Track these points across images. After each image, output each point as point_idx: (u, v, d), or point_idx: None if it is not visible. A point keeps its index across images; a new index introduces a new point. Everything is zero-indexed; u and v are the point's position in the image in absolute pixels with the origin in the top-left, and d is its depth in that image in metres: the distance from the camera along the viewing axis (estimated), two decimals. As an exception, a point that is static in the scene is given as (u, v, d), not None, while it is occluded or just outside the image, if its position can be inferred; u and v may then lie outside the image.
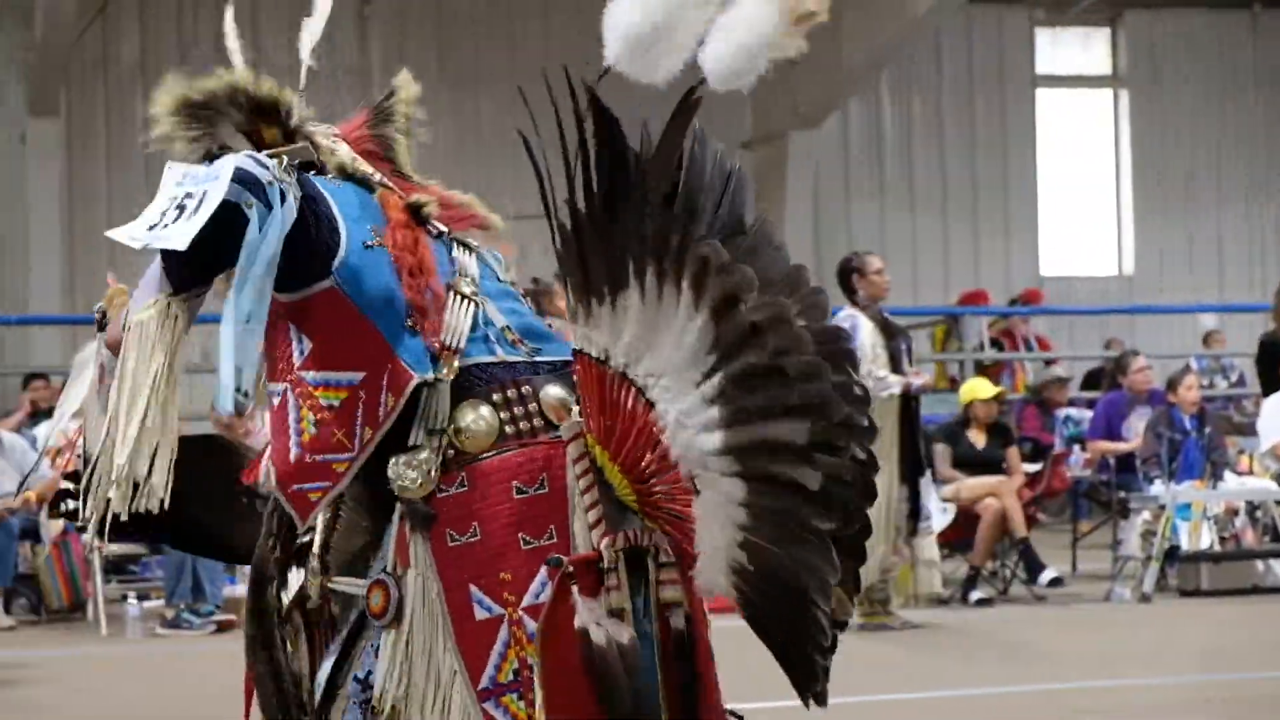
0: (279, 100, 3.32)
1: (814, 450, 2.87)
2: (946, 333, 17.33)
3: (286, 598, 3.42)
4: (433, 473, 3.15)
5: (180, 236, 3.06)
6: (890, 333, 10.32)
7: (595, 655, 3.00)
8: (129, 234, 3.13)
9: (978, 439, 12.03)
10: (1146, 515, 11.58)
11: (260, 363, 3.19)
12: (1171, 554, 11.51)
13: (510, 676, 3.12)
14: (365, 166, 3.37)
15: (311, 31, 3.49)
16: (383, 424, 3.16)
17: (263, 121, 3.32)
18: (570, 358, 3.16)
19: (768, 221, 3.28)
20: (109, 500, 3.06)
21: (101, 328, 3.45)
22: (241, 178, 3.07)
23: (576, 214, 2.99)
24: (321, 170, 3.33)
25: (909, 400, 10.16)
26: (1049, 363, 17.31)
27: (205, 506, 3.64)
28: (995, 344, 17.28)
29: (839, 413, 2.94)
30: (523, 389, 3.21)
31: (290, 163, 3.17)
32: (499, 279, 3.37)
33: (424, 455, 3.16)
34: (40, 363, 15.07)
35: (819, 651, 3.01)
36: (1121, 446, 12.65)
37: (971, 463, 11.92)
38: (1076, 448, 13.62)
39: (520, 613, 3.12)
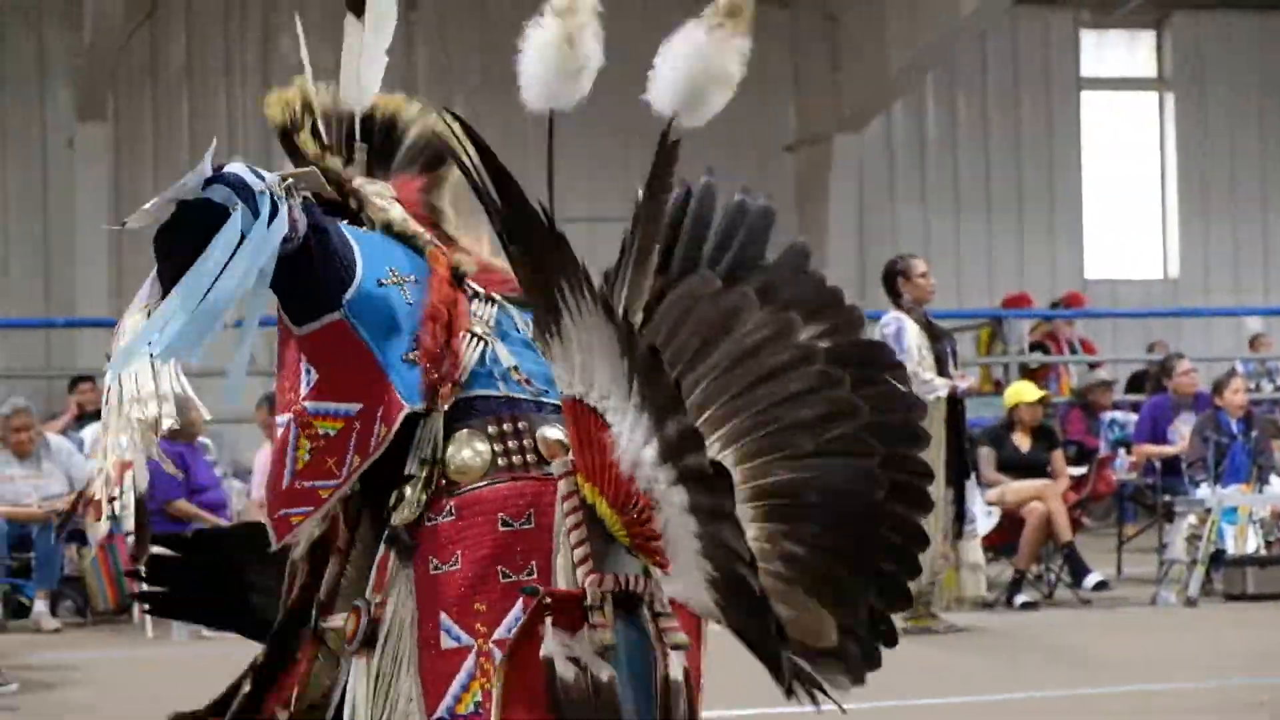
0: (341, 178, 3.36)
1: None
2: (991, 336, 17.29)
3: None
4: (420, 501, 3.14)
5: (144, 216, 3.03)
6: (935, 335, 10.32)
7: (558, 686, 2.96)
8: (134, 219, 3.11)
9: (1023, 442, 12.00)
10: (1192, 519, 11.53)
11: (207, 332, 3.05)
12: (1217, 558, 11.47)
13: (470, 708, 3.07)
14: (415, 226, 3.36)
15: (373, 73, 3.51)
16: (373, 453, 3.15)
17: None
18: None
19: (800, 245, 3.34)
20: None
21: None
22: (232, 182, 3.03)
23: (508, 252, 2.98)
24: (356, 218, 3.34)
25: (955, 403, 10.16)
26: (1093, 366, 17.24)
27: (267, 596, 3.59)
28: (1040, 347, 17.21)
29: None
30: (519, 424, 3.18)
31: (295, 184, 3.13)
32: (518, 330, 3.31)
33: (414, 485, 3.15)
34: (87, 365, 15.10)
35: (768, 639, 2.87)
36: (1167, 450, 12.62)
37: (1016, 466, 11.90)
38: (1122, 451, 13.57)
39: (490, 644, 3.07)
